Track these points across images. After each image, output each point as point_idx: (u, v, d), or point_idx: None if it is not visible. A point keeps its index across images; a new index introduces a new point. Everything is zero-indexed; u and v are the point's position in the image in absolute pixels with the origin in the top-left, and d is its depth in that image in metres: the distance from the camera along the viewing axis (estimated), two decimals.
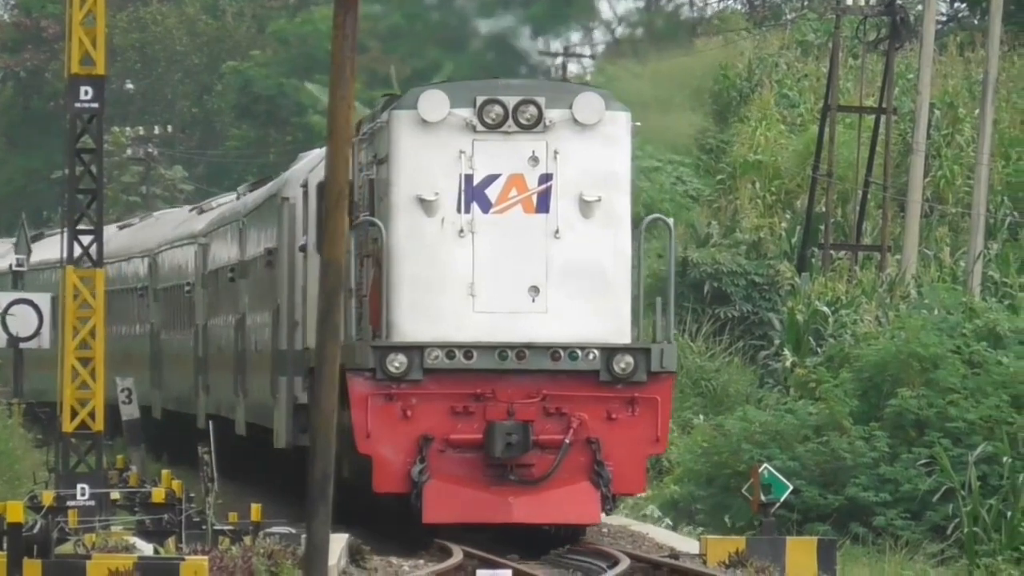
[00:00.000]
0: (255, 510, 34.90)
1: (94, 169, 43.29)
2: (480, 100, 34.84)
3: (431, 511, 33.14)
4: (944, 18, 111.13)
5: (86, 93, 41.85)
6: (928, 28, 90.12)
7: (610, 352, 34.10)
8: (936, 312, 67.17)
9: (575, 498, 33.82)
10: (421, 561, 32.88)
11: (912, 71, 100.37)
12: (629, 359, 34.16)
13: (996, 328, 64.22)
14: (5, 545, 27.07)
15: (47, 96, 68.00)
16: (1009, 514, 51.84)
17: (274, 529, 33.86)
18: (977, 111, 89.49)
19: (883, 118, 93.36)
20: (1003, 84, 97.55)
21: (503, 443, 33.08)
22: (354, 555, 32.21)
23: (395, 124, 34.97)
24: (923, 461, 55.72)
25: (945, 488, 53.78)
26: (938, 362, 58.21)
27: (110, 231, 79.79)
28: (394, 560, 32.45)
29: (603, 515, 36.53)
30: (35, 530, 29.13)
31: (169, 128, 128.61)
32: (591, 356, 34.17)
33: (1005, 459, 54.63)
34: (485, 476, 33.80)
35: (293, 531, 33.84)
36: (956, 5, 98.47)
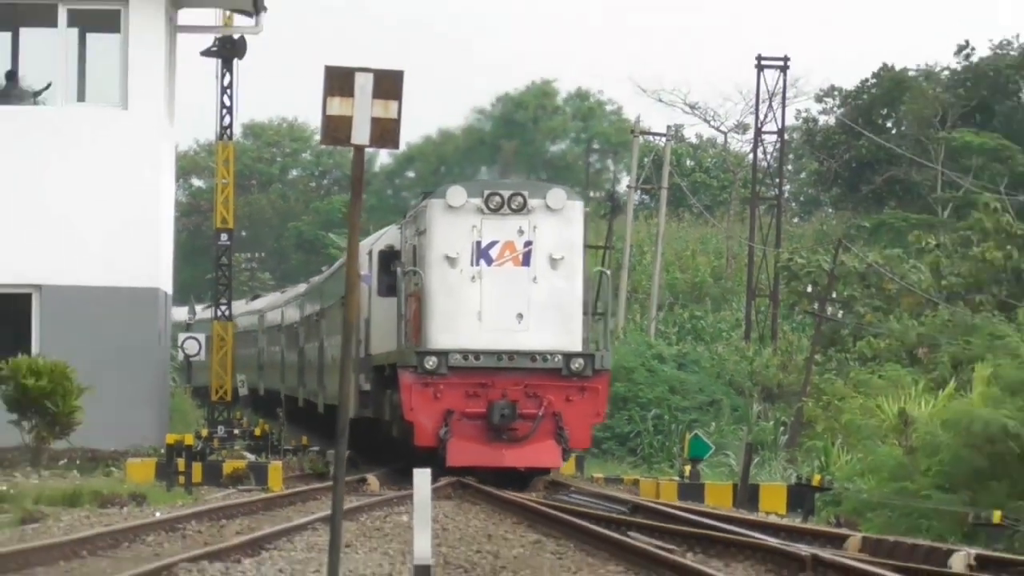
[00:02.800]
0: (304, 439, 61.92)
1: (227, 274, 71.50)
2: (486, 192, 45.98)
3: (452, 458, 42.88)
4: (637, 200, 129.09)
5: (223, 237, 69.41)
6: (629, 207, 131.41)
7: (568, 356, 44.49)
8: (632, 345, 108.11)
9: (545, 451, 44.11)
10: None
11: (623, 227, 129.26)
12: (581, 361, 44.68)
13: (662, 353, 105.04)
14: (184, 455, 45.34)
15: (205, 236, 78.79)
16: (666, 443, 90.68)
17: (312, 448, 58.53)
18: (653, 248, 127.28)
19: (609, 252, 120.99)
20: (666, 236, 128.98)
21: (499, 415, 43.01)
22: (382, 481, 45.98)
23: (431, 208, 45.85)
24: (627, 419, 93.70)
25: (637, 430, 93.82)
26: (633, 369, 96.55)
27: (239, 304, 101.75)
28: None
29: (562, 463, 48.23)
30: (198, 448, 48.06)
31: (262, 254, 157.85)
32: (556, 359, 44.48)
33: (665, 416, 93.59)
34: (487, 436, 43.39)
35: (328, 449, 54.56)
36: (643, 196, 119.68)
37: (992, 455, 47.17)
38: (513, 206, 43.99)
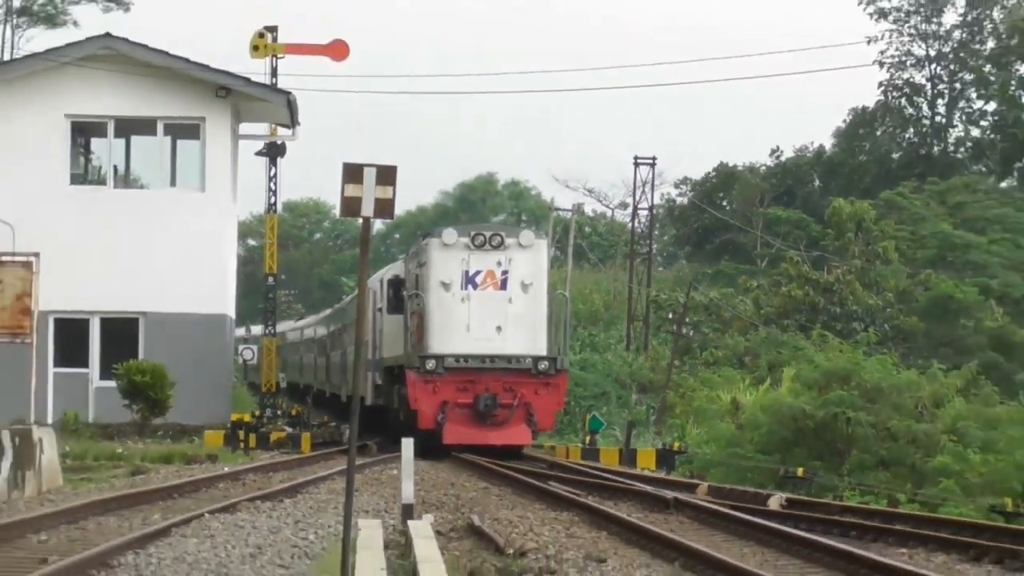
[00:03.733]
0: (325, 418, 60.60)
1: (272, 305, 63.32)
2: (472, 232, 43.13)
3: (447, 438, 40.00)
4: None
5: (270, 280, 61.58)
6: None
7: (536, 359, 41.19)
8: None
9: (519, 432, 41.00)
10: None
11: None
12: (546, 363, 41.41)
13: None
14: (243, 429, 45.49)
15: (257, 280, 76.69)
16: (572, 421, 65.69)
17: (331, 424, 55.56)
18: (564, 288, 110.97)
19: None
20: (572, 279, 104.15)
21: (483, 405, 39.97)
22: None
23: (430, 245, 43.06)
24: None
25: None
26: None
27: (285, 324, 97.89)
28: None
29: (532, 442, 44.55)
30: (252, 424, 48.34)
31: (295, 291, 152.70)
32: (527, 361, 41.28)
33: (571, 403, 64.08)
34: (474, 421, 40.31)
35: (341, 424, 52.62)
36: (556, 252, 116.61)
37: (795, 430, 48.25)
38: (493, 243, 41.45)
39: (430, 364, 40.26)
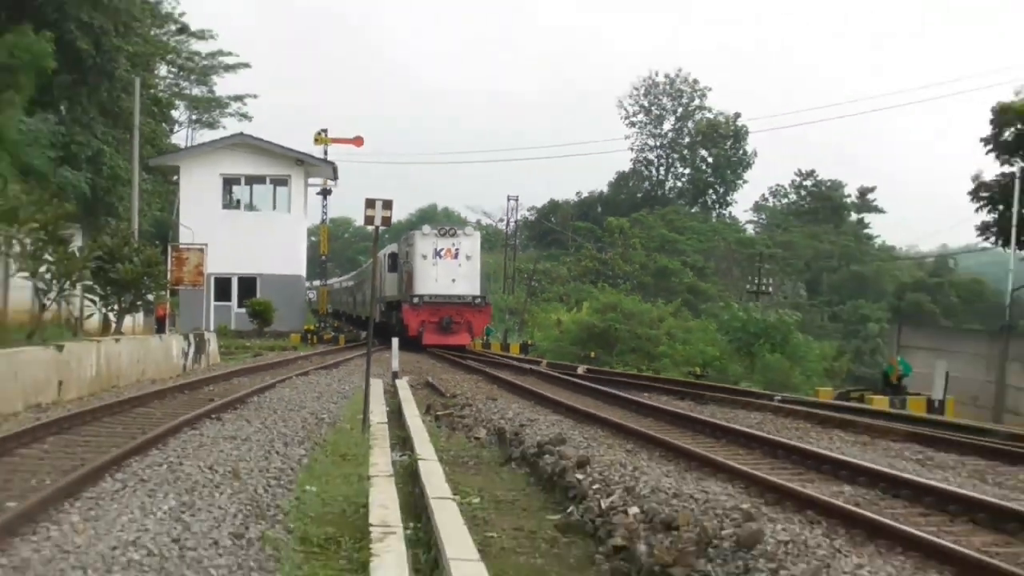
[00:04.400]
0: (352, 329, 72.11)
1: (324, 270, 79.87)
2: (438, 227, 50.77)
3: (425, 341, 45.44)
4: None
5: (323, 257, 75.16)
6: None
7: (473, 297, 47.12)
8: None
9: (463, 338, 46.23)
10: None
11: None
12: (479, 299, 47.91)
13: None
14: (310, 334, 58.28)
15: (317, 257, 75.56)
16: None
17: (355, 331, 66.08)
18: None
19: None
20: None
21: (444, 322, 45.77)
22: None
23: (415, 234, 49.52)
24: None
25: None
26: None
27: (333, 280, 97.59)
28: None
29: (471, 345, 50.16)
30: (314, 330, 59.24)
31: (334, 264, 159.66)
32: (468, 298, 46.86)
33: None
34: (439, 332, 45.80)
35: (360, 331, 64.48)
36: None
37: (589, 333, 65.80)
38: (450, 233, 48.53)
39: (415, 300, 47.48)
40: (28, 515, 10.12)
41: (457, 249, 48.50)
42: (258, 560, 9.34)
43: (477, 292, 49.49)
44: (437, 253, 48.31)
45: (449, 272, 48.11)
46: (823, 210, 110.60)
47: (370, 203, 21.71)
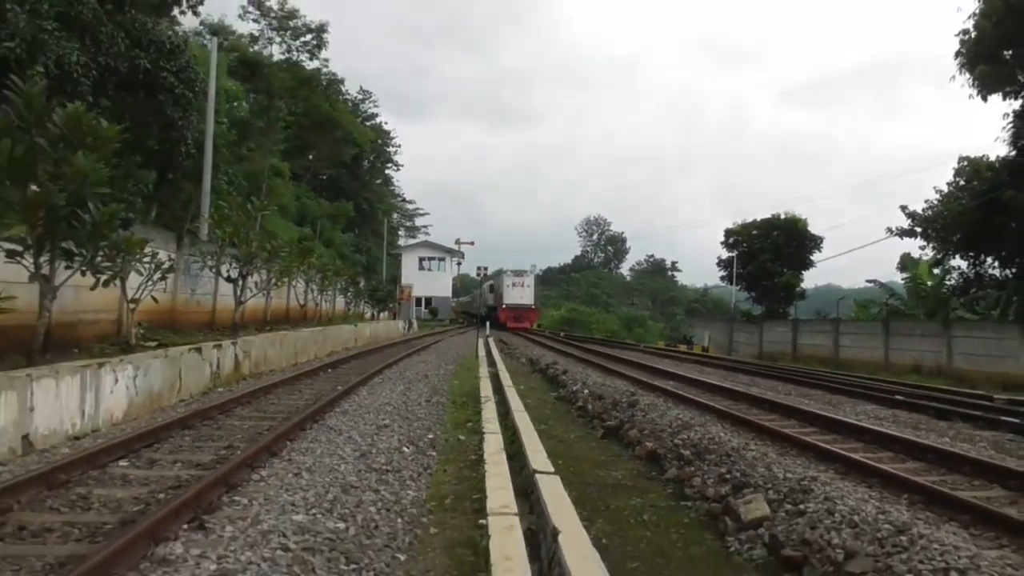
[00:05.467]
0: (471, 319, 62.84)
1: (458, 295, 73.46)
2: (514, 271, 52.18)
3: (508, 326, 47.19)
4: None
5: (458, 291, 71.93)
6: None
7: (531, 304, 50.70)
8: None
9: (527, 324, 48.60)
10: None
11: None
12: (534, 305, 50.72)
13: None
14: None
15: (457, 291, 75.32)
16: None
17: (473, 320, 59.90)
18: None
19: None
20: None
21: (518, 316, 49.90)
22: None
23: (502, 274, 52.08)
24: None
25: None
26: None
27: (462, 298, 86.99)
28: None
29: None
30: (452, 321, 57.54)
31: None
32: (531, 305, 50.74)
33: None
34: (515, 321, 48.71)
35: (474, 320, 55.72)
36: None
37: (565, 320, 68.48)
38: (519, 274, 51.92)
39: (503, 306, 49.81)
40: (349, 390, 12.46)
41: (523, 283, 51.38)
42: (438, 408, 11.69)
43: (532, 303, 51.31)
44: (513, 284, 51.08)
45: (520, 293, 51.07)
46: (658, 270, 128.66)
47: (480, 272, 36.42)
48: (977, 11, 27.04)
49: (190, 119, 16.59)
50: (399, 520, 5.71)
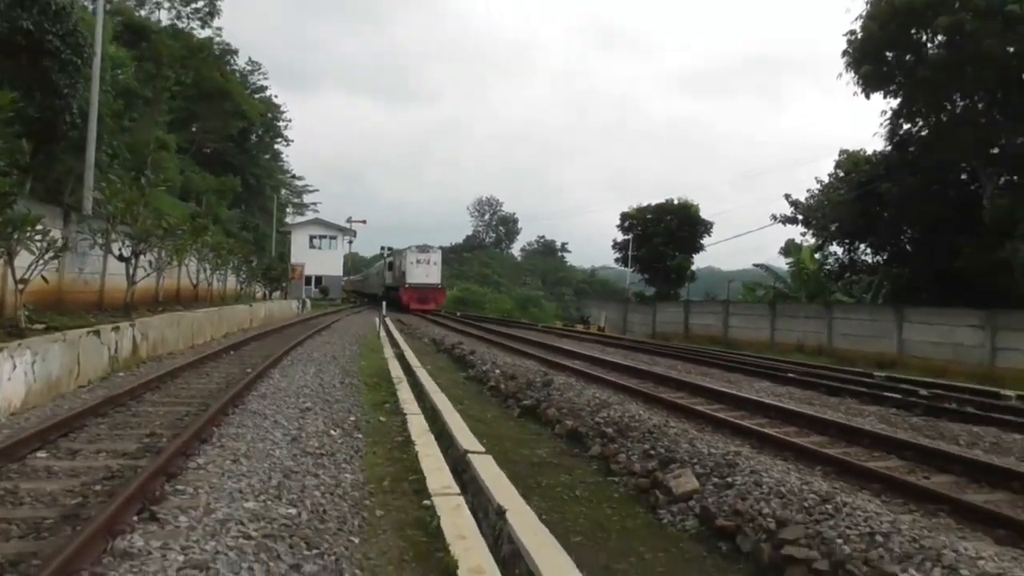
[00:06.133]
0: (363, 299, 63.55)
1: (348, 271, 73.80)
2: (419, 246, 47.54)
3: (411, 308, 43.82)
4: None
5: (349, 268, 74.47)
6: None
7: (437, 285, 46.30)
8: None
9: (433, 307, 44.69)
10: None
11: None
12: (440, 285, 46.56)
13: None
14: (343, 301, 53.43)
15: (349, 268, 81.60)
16: None
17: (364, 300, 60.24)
18: None
19: None
20: None
21: (422, 297, 45.26)
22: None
23: (407, 250, 47.16)
24: None
25: None
26: None
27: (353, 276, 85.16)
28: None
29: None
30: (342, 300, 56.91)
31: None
32: (437, 284, 46.34)
33: None
34: (420, 303, 44.62)
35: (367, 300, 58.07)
36: None
37: (460, 300, 65.30)
38: (425, 251, 47.36)
39: (407, 286, 45.83)
40: (261, 373, 12.21)
41: (429, 259, 47.49)
42: (353, 388, 11.63)
43: (439, 282, 47.71)
44: (418, 261, 47.27)
45: (425, 272, 47.21)
46: (548, 251, 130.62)
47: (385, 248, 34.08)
48: (864, 13, 28.37)
49: (76, 87, 15.43)
50: (344, 504, 5.71)
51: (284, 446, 7.11)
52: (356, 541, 5.04)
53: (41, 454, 6.30)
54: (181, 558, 4.05)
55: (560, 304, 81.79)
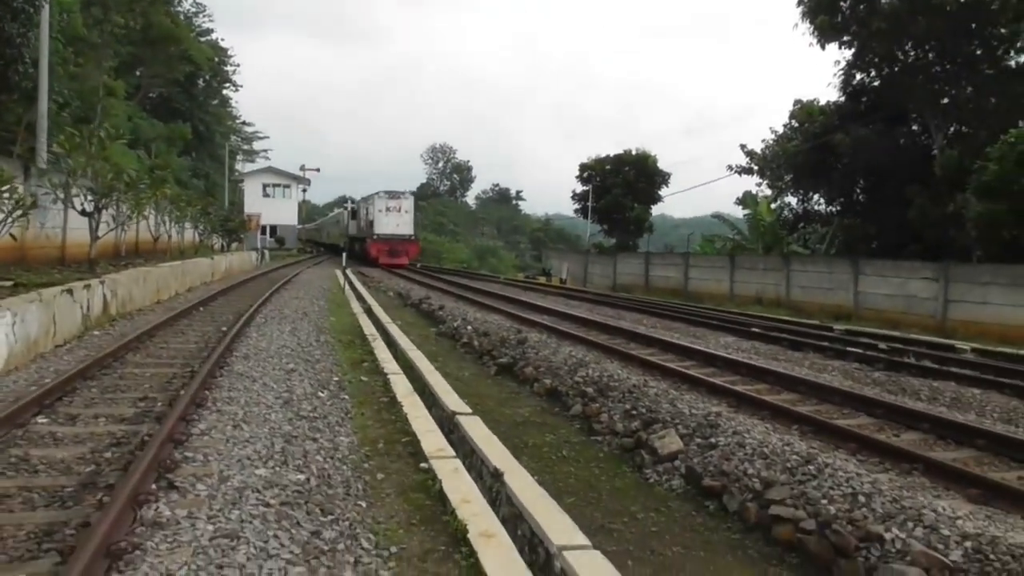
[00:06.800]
0: (320, 249, 62.51)
1: (304, 217, 73.37)
2: (389, 192, 43.20)
3: (380, 262, 40.17)
4: None
5: (304, 217, 75.48)
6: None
7: (410, 236, 42.19)
8: None
9: (404, 261, 41.28)
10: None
11: None
12: (413, 236, 42.32)
13: None
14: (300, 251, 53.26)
15: (303, 217, 73.57)
16: None
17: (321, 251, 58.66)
18: None
19: None
20: None
21: (393, 251, 41.20)
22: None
23: (376, 196, 42.53)
24: None
25: None
26: None
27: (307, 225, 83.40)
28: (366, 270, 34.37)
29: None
30: (300, 250, 59.33)
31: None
32: (407, 236, 42.01)
33: None
34: (390, 256, 40.85)
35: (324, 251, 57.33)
36: None
37: (423, 252, 57.77)
38: (396, 196, 43.05)
39: (374, 237, 41.83)
40: (238, 333, 12.05)
41: (400, 207, 43.25)
42: (329, 347, 11.61)
43: (412, 233, 43.58)
44: (388, 209, 43.16)
45: (396, 221, 43.09)
46: (503, 199, 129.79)
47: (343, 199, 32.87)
48: None
49: (28, 36, 14.97)
50: (346, 468, 5.86)
51: (278, 409, 7.24)
52: (363, 505, 5.18)
53: (42, 419, 6.35)
54: (211, 527, 4.20)
55: (516, 253, 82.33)
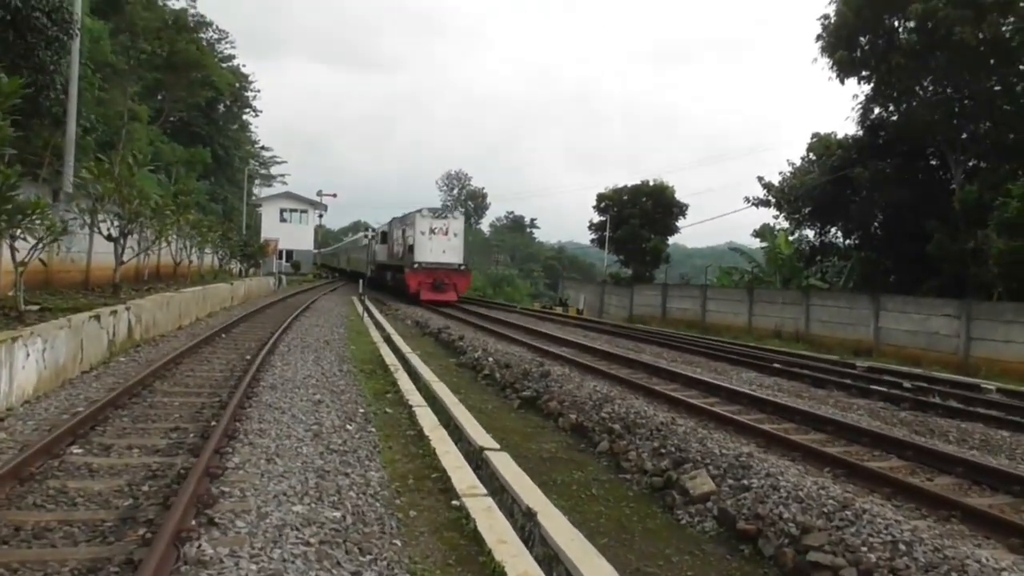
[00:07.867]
0: (336, 275, 62.66)
1: (321, 242, 73.58)
2: (434, 211, 37.08)
3: (423, 298, 34.78)
4: None
5: (320, 242, 74.56)
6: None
7: (458, 264, 36.12)
8: None
9: (451, 296, 35.86)
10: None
11: None
12: (463, 266, 36.53)
13: None
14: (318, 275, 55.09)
15: (319, 241, 75.41)
16: None
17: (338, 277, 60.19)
18: None
19: None
20: None
21: (438, 283, 35.53)
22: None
23: (417, 214, 36.54)
24: None
25: None
26: None
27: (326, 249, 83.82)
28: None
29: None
30: (316, 275, 59.56)
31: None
32: (454, 265, 36.16)
33: None
34: (434, 290, 35.41)
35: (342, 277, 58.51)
36: None
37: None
38: (442, 216, 37.87)
39: (415, 265, 36.37)
40: (263, 362, 12.02)
41: (447, 228, 38.11)
42: (352, 377, 11.63)
43: (461, 262, 38.04)
44: (432, 230, 38.50)
45: (441, 246, 38.06)
46: (517, 227, 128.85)
47: (358, 224, 32.36)
48: None
49: (61, 63, 15.33)
50: (378, 504, 5.84)
51: (309, 443, 7.24)
52: (399, 544, 5.16)
53: (76, 450, 6.37)
54: (254, 567, 4.19)
55: (531, 281, 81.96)
